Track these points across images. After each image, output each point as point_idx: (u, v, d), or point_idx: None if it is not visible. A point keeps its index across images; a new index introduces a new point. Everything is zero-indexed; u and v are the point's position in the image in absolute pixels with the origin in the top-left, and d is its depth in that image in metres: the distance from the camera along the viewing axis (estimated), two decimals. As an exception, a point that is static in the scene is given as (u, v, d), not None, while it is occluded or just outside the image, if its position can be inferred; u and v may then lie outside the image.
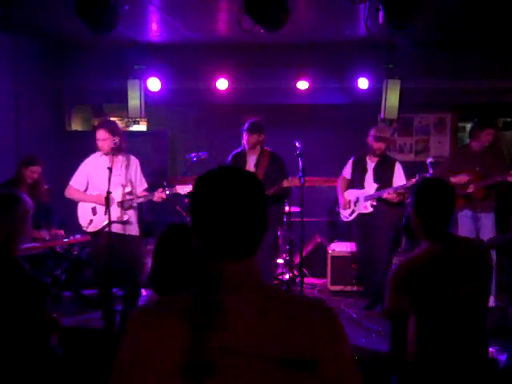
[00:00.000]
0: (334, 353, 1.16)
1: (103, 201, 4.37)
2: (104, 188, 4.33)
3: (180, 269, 1.86)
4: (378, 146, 5.13)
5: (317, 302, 1.24)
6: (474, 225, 5.19)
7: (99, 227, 4.54)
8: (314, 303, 1.23)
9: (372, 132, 5.18)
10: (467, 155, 5.19)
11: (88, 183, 4.63)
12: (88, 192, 4.62)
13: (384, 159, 5.24)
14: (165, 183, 4.61)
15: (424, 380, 2.20)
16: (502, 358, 3.45)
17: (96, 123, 7.62)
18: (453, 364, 2.18)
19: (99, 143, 4.51)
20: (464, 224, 5.23)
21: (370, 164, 5.25)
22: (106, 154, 4.51)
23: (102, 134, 4.48)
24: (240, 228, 1.17)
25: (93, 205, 4.58)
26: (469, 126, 8.83)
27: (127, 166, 4.64)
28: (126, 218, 4.60)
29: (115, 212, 4.50)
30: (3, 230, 2.23)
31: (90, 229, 4.58)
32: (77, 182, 4.63)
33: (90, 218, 4.58)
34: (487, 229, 5.14)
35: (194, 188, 1.23)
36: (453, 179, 5.12)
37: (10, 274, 2.19)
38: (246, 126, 4.91)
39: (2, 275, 2.18)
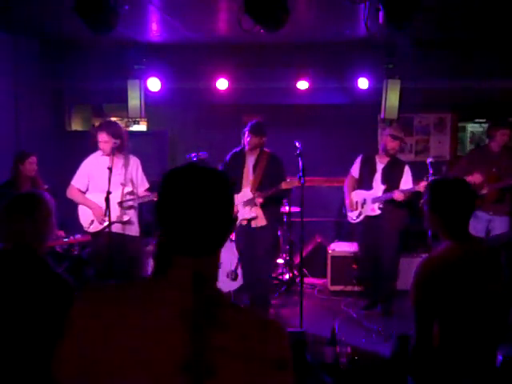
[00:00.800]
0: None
1: (100, 213, 4.46)
2: (104, 188, 4.34)
3: None
4: (393, 145, 5.11)
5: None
6: (486, 227, 5.14)
7: (100, 227, 4.54)
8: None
9: (388, 131, 5.17)
10: (485, 156, 5.16)
11: (89, 183, 4.64)
12: (89, 192, 4.63)
13: (394, 161, 5.21)
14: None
15: (443, 379, 2.20)
16: (501, 357, 3.45)
17: (97, 123, 7.64)
18: (472, 365, 2.20)
19: (100, 145, 4.55)
20: (475, 225, 5.19)
21: (380, 165, 5.22)
22: (106, 155, 4.53)
23: (103, 137, 4.52)
24: (196, 226, 1.17)
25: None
26: (469, 126, 8.88)
27: (127, 166, 4.65)
28: (126, 218, 4.60)
29: (115, 212, 4.51)
30: (29, 231, 2.22)
31: (91, 229, 4.60)
32: (78, 182, 4.65)
33: (91, 218, 4.60)
34: (499, 232, 5.10)
35: (159, 183, 1.23)
36: (468, 178, 5.10)
37: (39, 274, 2.19)
38: (250, 127, 4.87)
39: (31, 275, 2.18)
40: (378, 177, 5.20)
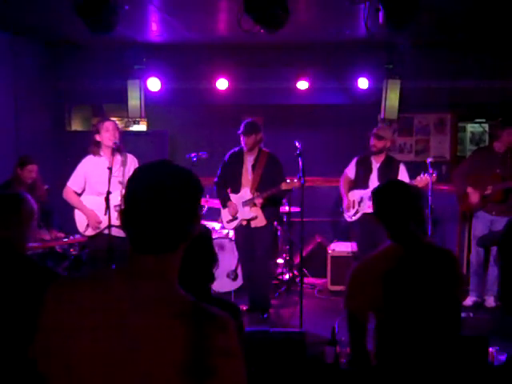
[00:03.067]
0: None
1: (95, 220, 4.42)
2: (100, 190, 4.30)
3: (186, 269, 1.86)
4: (374, 142, 5.14)
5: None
6: (488, 228, 5.12)
7: (97, 230, 4.51)
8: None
9: (374, 130, 5.22)
10: (489, 156, 5.15)
11: (85, 185, 4.54)
12: (85, 194, 4.55)
13: (389, 160, 5.25)
14: None
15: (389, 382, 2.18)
16: (502, 358, 3.45)
17: (96, 121, 7.64)
18: (415, 366, 2.14)
19: (107, 134, 4.40)
20: (477, 226, 5.20)
21: (375, 164, 5.24)
22: (104, 154, 4.47)
23: (111, 125, 4.44)
24: (145, 222, 1.18)
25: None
26: (469, 126, 8.88)
27: (125, 166, 4.60)
28: None
29: (113, 214, 4.46)
30: (10, 230, 2.24)
31: (88, 232, 4.54)
32: (74, 184, 4.53)
33: (86, 222, 4.53)
34: None
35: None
36: (469, 189, 5.10)
37: (23, 270, 2.20)
38: (241, 128, 4.87)
39: (14, 272, 2.18)
40: (374, 176, 5.23)
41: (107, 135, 4.42)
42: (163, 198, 1.18)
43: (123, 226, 1.22)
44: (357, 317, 2.18)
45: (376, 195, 2.33)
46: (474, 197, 5.09)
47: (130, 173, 1.11)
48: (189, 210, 1.22)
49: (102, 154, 4.49)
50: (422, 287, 2.14)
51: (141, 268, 1.19)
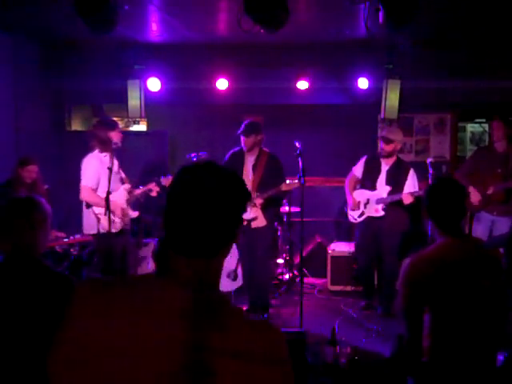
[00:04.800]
0: None
1: (123, 212, 4.55)
2: (107, 187, 4.36)
3: None
4: (383, 146, 5.07)
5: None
6: (489, 228, 5.11)
7: (119, 227, 4.58)
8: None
9: (381, 133, 5.16)
10: (490, 156, 5.12)
11: (98, 183, 4.53)
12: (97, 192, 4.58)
13: (399, 163, 5.16)
14: (157, 178, 4.74)
15: (439, 380, 2.20)
16: (501, 358, 3.45)
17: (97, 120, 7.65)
18: (468, 363, 2.18)
19: (120, 134, 4.61)
20: (478, 226, 5.19)
21: (384, 166, 5.16)
22: (107, 153, 4.54)
23: (118, 136, 4.62)
24: (194, 226, 1.15)
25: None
26: (469, 126, 8.89)
27: (118, 165, 4.71)
28: (135, 214, 4.71)
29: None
30: (24, 234, 2.23)
31: (103, 227, 4.48)
32: (90, 181, 4.46)
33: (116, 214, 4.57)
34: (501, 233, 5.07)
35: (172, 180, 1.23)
36: (470, 189, 5.09)
37: (37, 274, 2.19)
38: (241, 128, 4.87)
39: (29, 276, 2.18)
40: (382, 178, 5.15)
41: (120, 135, 4.59)
42: (214, 201, 1.15)
43: (169, 229, 1.18)
44: (414, 315, 2.20)
45: (433, 192, 2.37)
46: (475, 196, 5.08)
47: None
48: (234, 216, 1.20)
49: (107, 152, 4.55)
50: (478, 282, 2.20)
51: (190, 273, 1.16)
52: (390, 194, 5.05)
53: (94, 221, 4.47)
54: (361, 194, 5.27)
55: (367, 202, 5.20)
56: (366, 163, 5.30)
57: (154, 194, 4.78)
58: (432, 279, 2.16)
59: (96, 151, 4.58)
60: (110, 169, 4.32)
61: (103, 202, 4.34)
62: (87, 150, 4.68)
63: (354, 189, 5.35)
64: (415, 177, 5.09)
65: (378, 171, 5.18)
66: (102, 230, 4.46)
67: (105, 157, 4.53)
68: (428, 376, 2.24)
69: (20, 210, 2.26)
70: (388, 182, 5.10)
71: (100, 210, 4.42)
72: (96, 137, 4.56)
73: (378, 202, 5.09)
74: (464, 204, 2.34)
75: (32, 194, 2.45)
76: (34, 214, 2.26)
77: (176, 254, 1.18)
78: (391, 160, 5.15)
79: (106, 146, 4.51)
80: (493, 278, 2.24)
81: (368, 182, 5.24)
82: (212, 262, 1.20)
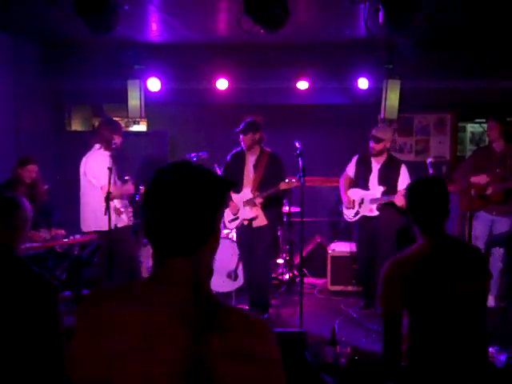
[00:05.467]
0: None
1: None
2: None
3: None
4: (373, 145, 5.07)
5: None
6: (489, 227, 5.12)
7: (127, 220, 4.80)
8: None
9: (372, 131, 5.15)
10: (489, 156, 5.12)
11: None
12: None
13: (390, 160, 5.16)
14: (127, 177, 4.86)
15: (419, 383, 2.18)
16: (502, 357, 3.45)
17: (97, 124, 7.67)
18: (447, 365, 2.16)
19: (120, 140, 4.73)
20: (478, 226, 5.19)
21: (375, 165, 5.17)
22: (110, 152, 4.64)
23: (119, 138, 4.77)
24: (169, 225, 1.16)
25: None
26: (469, 126, 8.89)
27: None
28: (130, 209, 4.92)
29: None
30: (3, 233, 2.25)
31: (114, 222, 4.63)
32: (105, 179, 4.55)
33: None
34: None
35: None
36: (473, 179, 5.09)
37: (17, 273, 2.20)
38: (239, 127, 4.89)
39: (8, 274, 2.18)
40: (374, 177, 5.15)
41: (121, 139, 4.74)
42: (182, 199, 1.16)
43: (146, 231, 1.19)
44: (392, 317, 2.17)
45: (413, 191, 2.31)
46: (481, 179, 5.04)
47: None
48: (204, 217, 1.19)
49: (109, 151, 4.68)
50: (456, 283, 2.17)
51: (175, 272, 1.18)
52: (383, 194, 5.05)
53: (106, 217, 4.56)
54: (355, 193, 5.28)
55: (361, 202, 5.21)
56: (358, 162, 5.32)
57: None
58: (410, 281, 2.13)
59: (100, 149, 4.67)
60: (110, 169, 4.34)
61: (121, 190, 4.69)
62: (87, 149, 4.69)
63: (349, 188, 5.36)
64: (407, 173, 5.06)
65: (370, 170, 5.18)
66: (119, 225, 4.70)
67: (108, 156, 4.62)
68: (407, 380, 2.21)
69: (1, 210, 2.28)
70: (381, 182, 5.09)
71: (121, 204, 4.71)
72: (102, 136, 4.69)
73: (373, 201, 5.10)
74: (446, 204, 2.26)
75: (14, 194, 2.46)
76: (15, 215, 2.28)
77: (157, 256, 1.20)
78: (382, 158, 5.15)
79: (109, 145, 4.65)
80: (473, 279, 2.21)
81: (361, 181, 5.25)
82: (193, 260, 1.20)
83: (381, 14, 3.78)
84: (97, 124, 5.11)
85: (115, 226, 4.59)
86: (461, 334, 2.18)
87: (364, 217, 5.19)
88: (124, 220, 4.78)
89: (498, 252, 5.11)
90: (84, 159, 4.76)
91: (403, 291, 2.14)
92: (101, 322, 1.15)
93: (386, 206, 5.05)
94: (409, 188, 2.35)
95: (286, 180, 4.70)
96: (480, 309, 2.26)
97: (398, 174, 5.06)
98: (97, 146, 4.69)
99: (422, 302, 2.15)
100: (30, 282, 2.18)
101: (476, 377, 2.20)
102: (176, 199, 1.16)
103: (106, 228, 4.50)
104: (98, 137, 4.73)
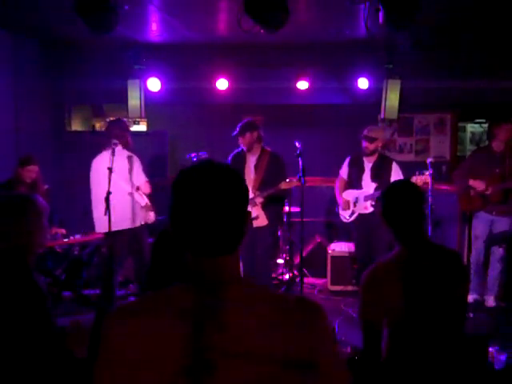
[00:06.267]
0: (327, 353, 1.17)
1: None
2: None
3: (176, 271, 1.86)
4: (366, 145, 5.09)
5: (302, 300, 1.23)
6: (488, 227, 5.12)
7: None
8: (300, 302, 1.22)
9: (364, 131, 5.16)
10: (488, 156, 5.12)
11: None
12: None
13: (381, 159, 5.19)
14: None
15: None
16: (502, 357, 3.45)
17: (98, 124, 7.68)
18: (424, 372, 2.13)
19: (130, 144, 4.80)
20: (477, 226, 5.19)
21: (367, 164, 5.20)
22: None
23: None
24: (211, 226, 1.15)
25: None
26: (469, 126, 8.88)
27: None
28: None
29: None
30: (17, 233, 2.19)
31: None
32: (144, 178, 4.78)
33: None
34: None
35: (173, 181, 1.20)
36: (471, 182, 5.10)
37: (11, 281, 2.16)
38: (236, 130, 4.90)
39: (9, 283, 2.15)
40: (366, 175, 5.18)
41: (129, 144, 4.80)
42: (223, 199, 1.15)
43: (183, 233, 1.17)
44: (372, 323, 2.13)
45: (386, 197, 2.26)
46: (479, 185, 5.06)
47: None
48: (241, 215, 1.20)
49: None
50: (434, 290, 2.13)
51: (224, 269, 1.18)
52: (376, 189, 5.07)
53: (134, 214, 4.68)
54: (349, 194, 5.30)
55: (356, 201, 5.23)
56: (350, 163, 5.34)
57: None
58: (389, 288, 2.09)
59: (122, 148, 4.67)
60: (110, 169, 4.33)
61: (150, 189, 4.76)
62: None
63: (344, 190, 5.38)
64: (399, 169, 5.09)
65: (362, 169, 5.21)
66: (149, 221, 4.78)
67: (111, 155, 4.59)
68: (384, 376, 2.18)
69: (11, 208, 2.22)
70: (373, 179, 5.13)
71: (147, 201, 4.76)
72: (117, 136, 4.69)
73: (366, 198, 5.12)
74: (421, 208, 2.20)
75: (27, 192, 2.43)
76: (25, 213, 2.24)
77: (196, 257, 1.18)
78: (373, 157, 5.17)
79: (127, 144, 4.74)
80: (452, 283, 2.17)
81: (354, 181, 5.27)
82: (233, 257, 1.22)
83: (381, 14, 3.78)
84: (106, 126, 5.15)
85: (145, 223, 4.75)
86: (436, 341, 2.14)
87: (360, 215, 5.21)
88: (151, 217, 4.81)
89: (498, 252, 5.12)
90: (106, 158, 4.61)
91: (385, 299, 2.10)
92: (125, 341, 1.13)
93: (380, 202, 5.05)
94: (382, 195, 2.29)
95: (287, 180, 4.71)
96: (459, 313, 2.22)
97: (390, 170, 5.09)
98: (116, 146, 4.63)
99: (401, 311, 2.10)
100: (20, 290, 2.12)
101: (457, 380, 2.18)
102: (219, 200, 1.15)
103: (130, 226, 4.62)
104: (116, 138, 4.67)
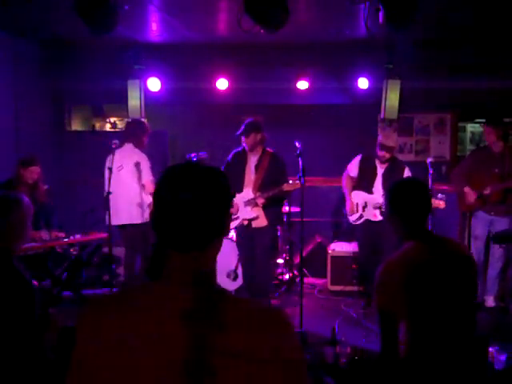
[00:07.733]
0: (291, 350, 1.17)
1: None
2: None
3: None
4: (382, 154, 5.06)
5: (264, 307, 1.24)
6: (487, 228, 5.12)
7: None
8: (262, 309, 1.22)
9: (379, 139, 5.12)
10: (487, 156, 5.12)
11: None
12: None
13: (393, 164, 5.15)
14: None
15: (416, 381, 2.18)
16: (502, 357, 3.45)
17: (98, 124, 7.70)
18: (444, 364, 2.15)
19: (147, 138, 5.12)
20: (477, 226, 5.19)
21: (380, 169, 5.16)
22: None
23: None
24: (182, 221, 1.18)
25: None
26: (469, 126, 8.88)
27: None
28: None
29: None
30: (2, 232, 2.22)
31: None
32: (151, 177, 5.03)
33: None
34: None
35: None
36: (466, 189, 5.09)
37: (5, 279, 2.17)
38: (241, 129, 4.88)
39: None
40: (378, 182, 5.15)
41: (144, 144, 5.13)
42: (199, 196, 1.18)
43: (160, 228, 1.21)
44: (389, 317, 2.16)
45: (394, 193, 2.32)
46: (470, 196, 5.09)
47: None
48: (216, 213, 1.21)
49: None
50: (447, 283, 2.17)
51: (186, 267, 1.20)
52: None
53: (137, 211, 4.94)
54: (358, 196, 5.26)
55: (365, 205, 5.20)
56: (361, 163, 5.29)
57: None
58: (404, 284, 2.12)
59: (133, 147, 4.98)
60: (110, 169, 4.34)
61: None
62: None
63: (352, 189, 5.34)
64: (410, 175, 5.06)
65: (374, 174, 5.18)
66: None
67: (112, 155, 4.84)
68: (405, 378, 2.19)
69: None
70: (384, 186, 5.08)
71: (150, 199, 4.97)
72: (135, 135, 5.03)
73: (375, 206, 5.10)
74: (429, 202, 2.29)
75: (11, 192, 2.43)
76: (8, 214, 2.26)
77: (171, 252, 1.21)
78: (386, 162, 5.15)
79: (142, 144, 5.05)
80: (464, 277, 2.21)
81: (364, 183, 5.23)
82: (205, 255, 1.23)
83: (381, 14, 3.79)
84: (125, 124, 5.51)
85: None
86: (453, 333, 2.17)
87: (368, 220, 5.19)
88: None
89: (497, 252, 5.12)
90: (117, 155, 4.86)
91: (398, 295, 2.13)
92: (100, 331, 1.14)
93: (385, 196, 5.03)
94: (392, 190, 2.34)
95: (290, 181, 4.70)
96: (471, 304, 2.25)
97: (401, 178, 5.04)
98: (130, 144, 4.98)
99: (417, 305, 2.13)
100: (9, 286, 2.14)
101: (474, 376, 2.20)
102: (195, 196, 1.18)
103: (139, 221, 4.90)
104: (130, 136, 5.03)
